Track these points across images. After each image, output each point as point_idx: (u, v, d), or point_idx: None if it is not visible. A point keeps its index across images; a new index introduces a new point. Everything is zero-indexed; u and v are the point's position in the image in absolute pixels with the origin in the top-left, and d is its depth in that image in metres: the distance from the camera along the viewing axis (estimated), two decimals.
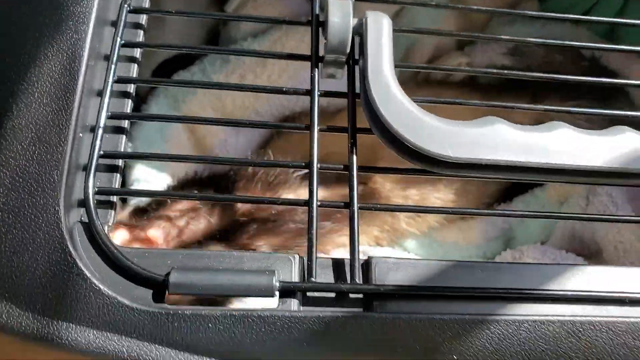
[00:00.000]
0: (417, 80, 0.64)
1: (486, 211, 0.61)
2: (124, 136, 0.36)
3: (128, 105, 0.37)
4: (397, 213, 0.60)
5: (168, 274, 0.31)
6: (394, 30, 0.37)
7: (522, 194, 0.63)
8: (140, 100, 0.62)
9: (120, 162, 0.35)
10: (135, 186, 0.55)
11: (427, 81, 0.62)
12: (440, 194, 0.62)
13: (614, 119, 0.40)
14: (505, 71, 0.42)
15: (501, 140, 0.34)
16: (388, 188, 0.59)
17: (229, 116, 0.60)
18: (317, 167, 0.35)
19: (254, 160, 0.52)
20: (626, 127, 0.36)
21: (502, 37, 0.46)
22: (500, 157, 0.34)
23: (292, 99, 0.60)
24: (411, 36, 0.67)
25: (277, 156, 0.55)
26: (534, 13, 0.64)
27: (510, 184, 0.66)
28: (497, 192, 0.64)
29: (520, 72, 0.41)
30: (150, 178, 0.57)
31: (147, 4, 0.40)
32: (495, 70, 0.45)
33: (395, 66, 0.36)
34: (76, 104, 0.33)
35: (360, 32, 0.37)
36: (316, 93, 0.37)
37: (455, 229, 0.62)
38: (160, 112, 0.58)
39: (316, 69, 0.37)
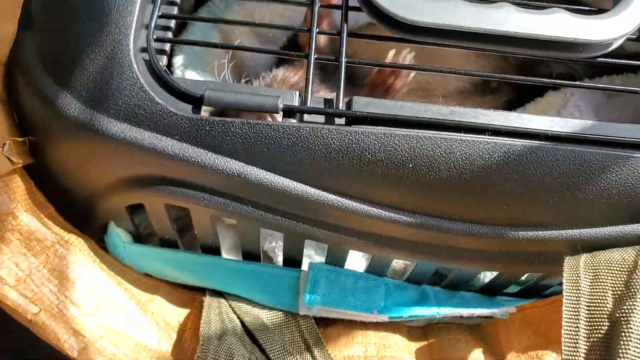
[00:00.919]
0: None
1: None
2: (176, 6, 0.49)
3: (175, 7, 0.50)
4: None
5: (204, 93, 0.43)
6: None
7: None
8: (185, 12, 0.74)
9: (172, 24, 0.48)
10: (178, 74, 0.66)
11: None
12: None
13: None
14: None
15: (458, 10, 0.45)
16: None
17: (257, 28, 0.71)
18: (315, 32, 0.46)
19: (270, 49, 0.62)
20: (560, 8, 0.46)
21: None
22: (455, 22, 0.44)
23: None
24: None
25: None
26: None
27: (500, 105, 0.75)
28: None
29: None
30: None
31: None
32: None
33: None
34: None
35: None
36: None
37: None
38: (203, 27, 0.70)
39: None
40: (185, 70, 0.68)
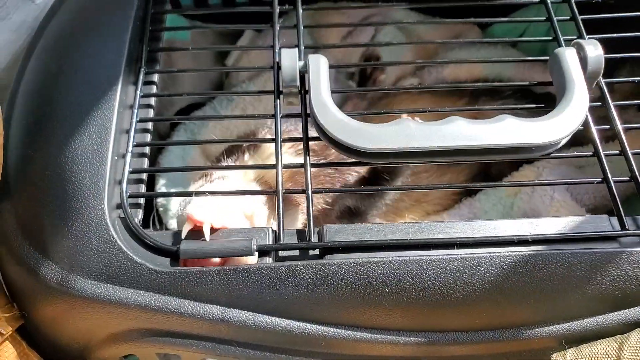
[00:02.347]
0: (390, 96, 0.78)
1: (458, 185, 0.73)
2: (146, 159, 0.51)
3: (148, 137, 0.53)
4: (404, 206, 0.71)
5: (179, 246, 0.45)
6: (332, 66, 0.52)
7: (484, 190, 0.75)
8: (163, 137, 0.78)
9: (144, 176, 0.50)
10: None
11: (395, 95, 0.76)
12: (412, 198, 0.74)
13: None
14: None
15: (408, 133, 0.47)
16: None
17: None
18: (281, 169, 0.49)
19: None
20: (507, 115, 0.49)
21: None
22: (407, 145, 0.47)
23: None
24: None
25: None
26: (476, 40, 0.78)
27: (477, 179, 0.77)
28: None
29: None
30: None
31: (160, 67, 0.56)
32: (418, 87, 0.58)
33: (332, 92, 0.50)
34: (112, 139, 0.48)
35: (305, 70, 0.51)
36: (278, 116, 0.51)
37: (430, 220, 0.73)
38: (179, 147, 0.73)
39: (278, 100, 0.52)
40: (167, 190, 0.70)
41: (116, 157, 0.49)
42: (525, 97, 0.71)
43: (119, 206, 0.48)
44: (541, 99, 0.67)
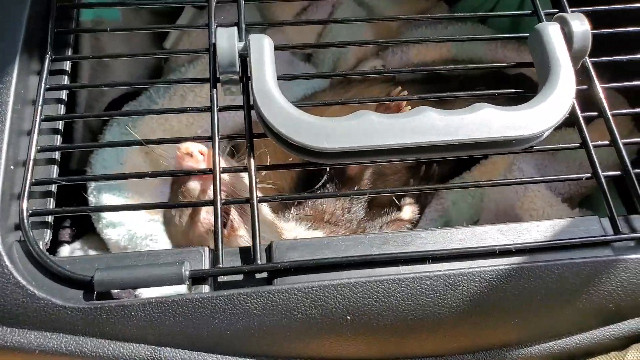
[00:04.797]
0: (344, 83, 0.70)
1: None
2: (55, 166, 0.42)
3: (58, 140, 0.43)
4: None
5: (93, 275, 0.36)
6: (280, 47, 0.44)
7: (452, 180, 0.68)
8: (95, 132, 0.68)
9: (53, 188, 0.41)
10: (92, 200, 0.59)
11: (350, 82, 0.69)
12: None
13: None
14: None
15: (370, 128, 0.40)
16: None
17: (176, 134, 0.65)
18: (219, 172, 0.40)
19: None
20: (484, 103, 0.42)
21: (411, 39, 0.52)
22: (370, 142, 0.39)
23: (231, 113, 0.65)
24: (337, 50, 0.73)
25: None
26: (443, 15, 0.70)
27: (447, 170, 0.71)
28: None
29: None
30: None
31: (69, 53, 0.47)
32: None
33: (279, 78, 0.42)
34: (5, 143, 0.39)
35: (246, 53, 0.43)
36: (215, 109, 0.43)
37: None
38: (118, 136, 0.64)
39: (214, 89, 0.43)
40: (100, 194, 0.61)
41: (12, 166, 0.39)
42: (497, 81, 0.64)
43: (18, 227, 0.39)
44: (513, 82, 0.61)
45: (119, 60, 0.67)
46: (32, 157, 0.40)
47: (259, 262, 0.38)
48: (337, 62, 0.75)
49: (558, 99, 0.42)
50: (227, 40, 0.42)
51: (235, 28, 0.44)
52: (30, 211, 0.39)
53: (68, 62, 0.46)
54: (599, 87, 0.46)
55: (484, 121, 0.41)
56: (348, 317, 0.37)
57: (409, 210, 0.67)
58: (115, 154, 0.64)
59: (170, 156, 0.54)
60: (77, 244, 0.58)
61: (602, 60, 0.48)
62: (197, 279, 0.37)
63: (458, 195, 0.68)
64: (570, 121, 0.47)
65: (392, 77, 0.71)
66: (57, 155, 0.43)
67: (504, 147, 0.42)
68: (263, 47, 0.42)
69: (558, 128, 0.62)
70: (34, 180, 0.40)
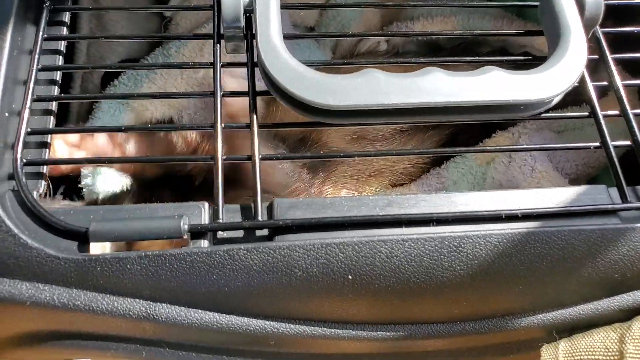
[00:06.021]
0: (351, 54, 0.70)
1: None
2: (52, 117, 0.41)
3: (55, 91, 0.42)
4: (362, 175, 0.63)
5: (88, 227, 0.35)
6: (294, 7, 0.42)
7: (453, 157, 0.67)
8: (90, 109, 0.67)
9: (48, 139, 0.40)
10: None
11: (357, 55, 0.68)
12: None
13: None
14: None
15: (376, 86, 0.39)
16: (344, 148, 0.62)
17: (174, 102, 0.64)
18: (221, 127, 0.39)
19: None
20: (494, 66, 0.41)
21: None
22: (376, 101, 0.38)
23: None
24: (340, 23, 0.72)
25: None
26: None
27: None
28: (432, 157, 0.69)
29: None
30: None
31: (69, 3, 0.45)
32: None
33: (285, 36, 0.41)
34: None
35: (251, 8, 0.41)
36: (218, 65, 0.42)
37: (396, 192, 0.66)
38: (112, 107, 0.63)
39: (218, 45, 0.42)
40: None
41: (7, 114, 0.38)
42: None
43: (11, 177, 0.37)
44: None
45: (119, 23, 0.66)
46: (27, 106, 0.39)
47: (259, 218, 0.37)
48: (339, 41, 0.74)
49: (569, 64, 0.41)
50: None
51: None
52: (24, 160, 0.38)
53: (67, 13, 0.45)
54: (609, 57, 0.45)
55: (493, 84, 0.40)
56: (350, 277, 0.36)
57: None
58: (111, 118, 0.63)
59: None
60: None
61: (613, 31, 0.47)
62: (196, 233, 0.36)
63: (458, 173, 0.67)
64: (576, 100, 0.47)
65: (395, 53, 0.70)
66: (53, 106, 0.41)
67: (511, 112, 0.41)
68: (269, 3, 0.41)
69: (564, 107, 0.63)
70: (29, 130, 0.39)
